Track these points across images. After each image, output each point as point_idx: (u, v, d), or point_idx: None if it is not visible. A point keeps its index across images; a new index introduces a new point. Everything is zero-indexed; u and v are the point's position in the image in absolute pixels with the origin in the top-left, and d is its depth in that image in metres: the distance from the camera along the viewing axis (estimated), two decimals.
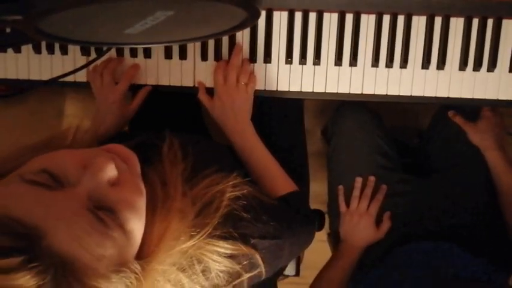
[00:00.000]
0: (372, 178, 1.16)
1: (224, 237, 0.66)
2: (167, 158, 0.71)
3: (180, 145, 0.74)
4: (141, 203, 0.58)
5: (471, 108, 1.16)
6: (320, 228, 1.17)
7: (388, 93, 0.98)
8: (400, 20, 0.95)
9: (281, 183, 0.93)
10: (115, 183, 0.56)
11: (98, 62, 0.95)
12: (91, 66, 0.96)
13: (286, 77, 0.98)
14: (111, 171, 0.55)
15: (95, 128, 0.97)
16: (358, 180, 1.16)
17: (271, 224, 0.74)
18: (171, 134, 0.76)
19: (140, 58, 0.98)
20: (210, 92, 0.97)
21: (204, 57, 0.97)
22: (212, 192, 0.68)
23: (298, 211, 0.88)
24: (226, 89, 0.94)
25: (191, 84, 0.98)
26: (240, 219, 0.70)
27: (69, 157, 0.56)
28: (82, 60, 0.97)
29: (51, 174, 0.53)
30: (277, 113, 1.14)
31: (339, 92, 0.98)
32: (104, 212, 0.53)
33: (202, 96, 0.97)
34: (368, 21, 0.95)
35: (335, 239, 1.23)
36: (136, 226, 0.56)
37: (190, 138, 0.82)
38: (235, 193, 0.70)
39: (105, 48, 0.94)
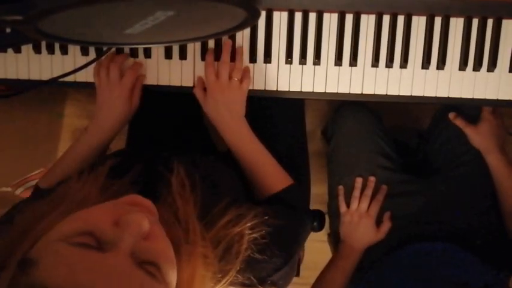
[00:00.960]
0: (372, 178, 1.16)
1: (245, 285, 0.66)
2: (177, 193, 0.71)
3: (185, 173, 0.73)
4: (172, 252, 0.58)
5: (472, 111, 1.15)
6: (320, 228, 1.17)
7: (388, 93, 0.98)
8: (400, 20, 0.95)
9: (278, 178, 0.93)
10: (146, 237, 0.56)
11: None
12: (95, 65, 0.96)
13: (286, 77, 0.98)
14: (146, 227, 0.55)
15: (97, 127, 0.96)
16: (358, 181, 1.16)
17: (282, 254, 0.75)
18: (177, 163, 0.75)
19: (140, 58, 0.98)
20: None
21: (204, 57, 0.97)
22: (231, 235, 0.68)
23: (295, 208, 0.88)
24: (218, 86, 0.92)
25: (191, 84, 0.98)
26: (257, 262, 0.70)
27: (99, 216, 0.55)
28: (82, 60, 0.97)
29: (92, 235, 0.52)
30: (278, 113, 1.14)
31: (339, 92, 0.98)
32: (150, 266, 0.53)
33: (198, 91, 0.95)
34: (368, 21, 0.95)
35: (335, 240, 1.23)
36: (173, 277, 0.56)
37: (186, 158, 0.81)
38: (253, 235, 0.70)
39: (105, 48, 0.94)
